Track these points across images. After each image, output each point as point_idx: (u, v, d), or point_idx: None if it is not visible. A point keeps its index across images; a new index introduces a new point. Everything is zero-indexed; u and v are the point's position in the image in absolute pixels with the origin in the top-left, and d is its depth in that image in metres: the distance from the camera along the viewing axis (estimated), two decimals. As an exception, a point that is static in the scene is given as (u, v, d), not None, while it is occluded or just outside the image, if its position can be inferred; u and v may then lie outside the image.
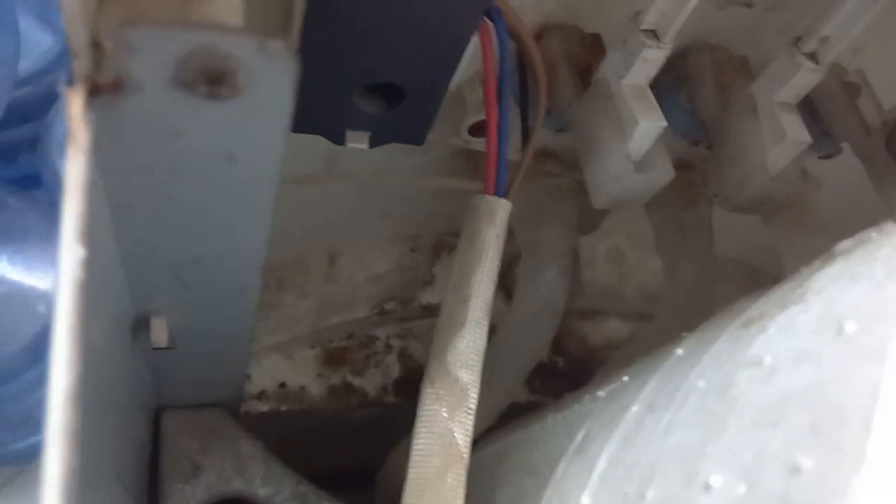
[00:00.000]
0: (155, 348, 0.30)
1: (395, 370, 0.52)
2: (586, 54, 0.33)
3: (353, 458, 0.54)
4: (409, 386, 0.52)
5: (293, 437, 0.51)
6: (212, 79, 0.17)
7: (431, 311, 0.52)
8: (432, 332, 0.29)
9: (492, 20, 0.27)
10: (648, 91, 0.30)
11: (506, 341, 0.36)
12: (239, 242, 0.24)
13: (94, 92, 0.17)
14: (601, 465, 0.23)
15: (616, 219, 0.52)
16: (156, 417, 0.41)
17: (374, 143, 0.29)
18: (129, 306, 0.28)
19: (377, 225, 0.51)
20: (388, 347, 0.53)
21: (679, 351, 0.25)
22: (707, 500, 0.18)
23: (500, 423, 0.40)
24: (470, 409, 0.27)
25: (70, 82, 0.17)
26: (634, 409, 0.24)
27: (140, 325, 0.29)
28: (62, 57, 0.51)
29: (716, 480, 0.18)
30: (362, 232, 0.51)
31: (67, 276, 0.14)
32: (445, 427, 0.27)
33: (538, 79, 0.29)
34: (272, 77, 0.17)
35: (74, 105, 0.16)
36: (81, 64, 0.17)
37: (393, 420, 0.52)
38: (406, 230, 0.52)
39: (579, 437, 0.27)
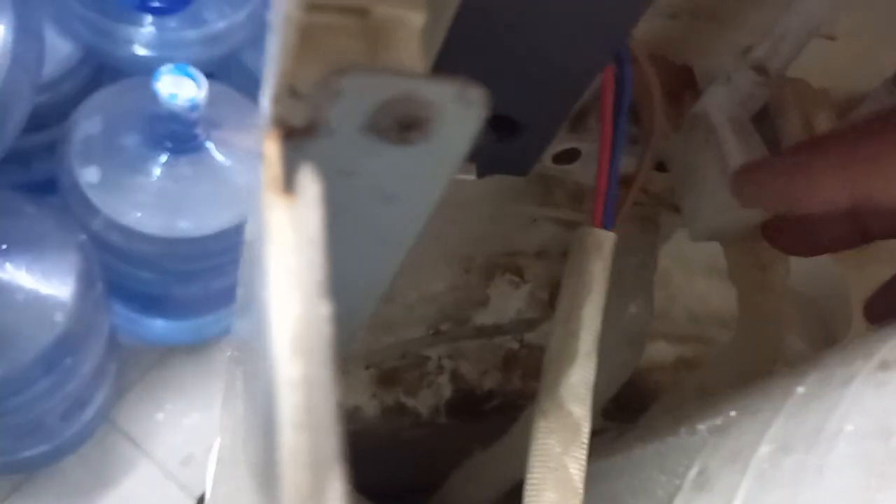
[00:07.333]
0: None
1: (447, 391, 0.52)
2: (679, 86, 0.33)
3: (402, 478, 0.53)
4: (460, 407, 0.52)
5: (347, 457, 0.50)
6: (404, 124, 0.17)
7: (484, 332, 0.52)
8: (541, 363, 0.28)
9: (620, 62, 0.27)
10: (750, 125, 0.30)
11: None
12: (365, 277, 0.24)
13: (288, 136, 0.17)
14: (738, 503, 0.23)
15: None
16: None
17: (480, 174, 0.29)
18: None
19: (431, 246, 0.51)
20: (440, 368, 0.53)
21: (800, 389, 0.25)
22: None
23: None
24: (583, 443, 0.27)
25: (266, 127, 0.17)
26: (764, 448, 0.24)
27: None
28: (82, 65, 0.50)
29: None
30: (416, 253, 0.50)
31: (317, 335, 0.13)
32: (560, 462, 0.27)
33: (654, 114, 0.29)
34: (463, 123, 0.17)
35: (271, 148, 0.16)
36: (279, 108, 0.16)
37: (444, 440, 0.51)
38: (458, 250, 0.52)
39: (692, 473, 0.27)
